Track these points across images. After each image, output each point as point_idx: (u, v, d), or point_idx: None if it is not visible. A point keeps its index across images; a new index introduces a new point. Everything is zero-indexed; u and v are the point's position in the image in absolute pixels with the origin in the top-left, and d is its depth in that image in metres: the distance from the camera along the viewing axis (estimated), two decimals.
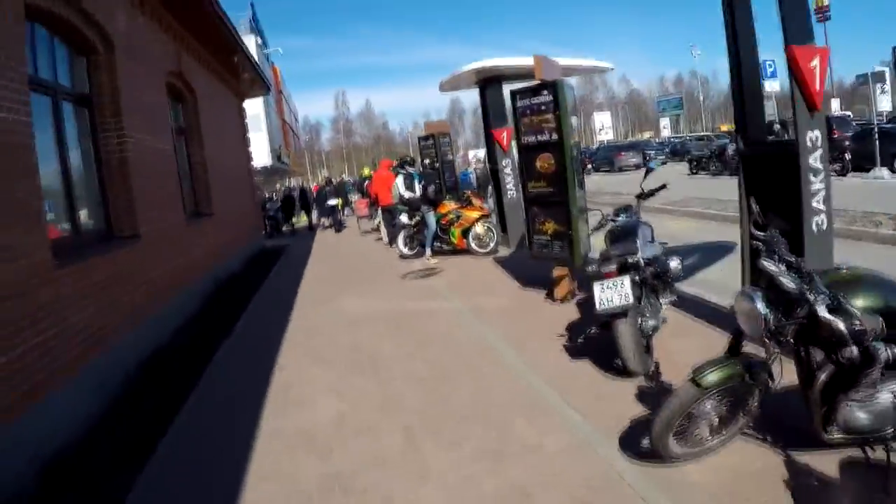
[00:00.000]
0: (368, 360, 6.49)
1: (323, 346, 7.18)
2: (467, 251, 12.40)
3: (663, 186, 6.58)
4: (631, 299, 4.93)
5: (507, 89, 11.86)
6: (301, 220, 26.91)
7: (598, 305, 5.01)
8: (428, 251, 12.43)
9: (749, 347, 3.57)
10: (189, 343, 7.80)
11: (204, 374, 6.61)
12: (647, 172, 6.54)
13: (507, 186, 11.99)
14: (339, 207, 24.03)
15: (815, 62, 4.74)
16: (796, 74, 4.77)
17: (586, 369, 5.46)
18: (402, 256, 12.93)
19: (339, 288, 10.70)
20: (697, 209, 14.46)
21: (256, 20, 45.10)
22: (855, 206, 11.46)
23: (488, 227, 12.41)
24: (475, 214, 12.53)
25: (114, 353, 6.23)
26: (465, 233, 12.46)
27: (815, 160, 4.86)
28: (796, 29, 4.81)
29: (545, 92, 7.42)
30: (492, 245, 12.30)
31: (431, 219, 12.46)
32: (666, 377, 4.98)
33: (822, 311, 3.01)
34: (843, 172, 18.68)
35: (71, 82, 7.01)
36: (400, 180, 13.32)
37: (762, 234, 3.61)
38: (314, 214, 25.73)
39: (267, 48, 48.59)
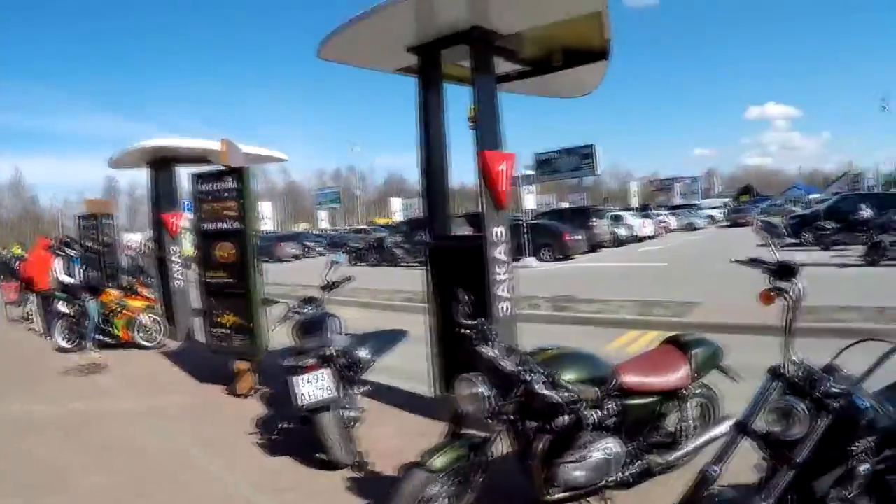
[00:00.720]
0: (43, 473, 5.48)
1: None
2: (133, 344, 11.20)
3: (349, 279, 6.68)
4: (334, 392, 5.00)
5: (181, 171, 11.45)
6: None
7: (299, 400, 4.95)
8: (89, 344, 11.00)
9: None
10: None
11: None
12: (331, 265, 6.60)
13: (175, 274, 11.40)
14: None
15: (503, 166, 5.24)
16: (485, 176, 5.23)
17: (290, 466, 5.29)
18: (61, 350, 11.26)
19: None
20: (365, 299, 15.04)
21: None
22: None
23: (155, 319, 11.44)
24: (140, 304, 11.50)
25: None
26: (130, 324, 11.29)
27: (499, 252, 5.35)
28: (488, 136, 5.31)
29: (229, 178, 7.22)
30: (159, 337, 11.32)
31: (93, 308, 11.10)
32: (372, 465, 5.03)
33: (540, 388, 3.38)
34: None
35: None
36: (58, 263, 11.79)
37: (471, 322, 3.83)
38: None
39: None
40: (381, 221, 61.66)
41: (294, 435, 5.59)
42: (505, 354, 3.66)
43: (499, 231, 5.41)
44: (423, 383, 6.71)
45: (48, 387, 8.94)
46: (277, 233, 55.20)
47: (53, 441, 6.40)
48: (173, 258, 11.32)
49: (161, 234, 11.46)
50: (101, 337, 11.31)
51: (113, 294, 11.74)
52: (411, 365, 7.31)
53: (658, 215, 39.14)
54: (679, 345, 4.18)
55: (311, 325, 5.72)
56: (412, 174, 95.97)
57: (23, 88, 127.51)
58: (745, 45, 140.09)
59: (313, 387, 4.98)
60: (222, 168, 7.34)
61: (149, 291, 12.04)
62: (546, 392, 3.40)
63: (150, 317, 11.42)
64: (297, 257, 38.34)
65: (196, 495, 4.88)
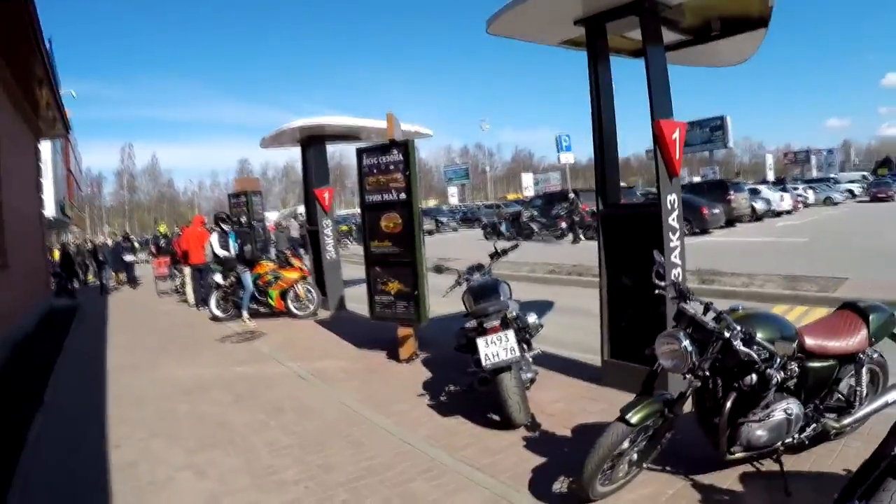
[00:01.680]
0: (219, 431, 5.78)
1: (158, 418, 6.30)
2: (286, 313, 11.87)
3: (516, 246, 6.87)
4: (517, 352, 5.06)
5: (330, 147, 11.95)
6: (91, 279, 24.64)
7: (484, 361, 5.02)
8: (245, 313, 11.71)
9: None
10: None
11: (20, 460, 5.36)
12: (499, 234, 6.78)
13: (327, 247, 11.87)
14: (135, 264, 22.80)
15: (676, 134, 5.24)
16: (660, 144, 5.23)
17: (463, 425, 5.40)
18: (215, 319, 12.09)
19: (153, 353, 9.62)
20: (505, 272, 15.06)
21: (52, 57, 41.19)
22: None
23: (308, 289, 11.99)
24: (295, 275, 12.05)
25: None
26: (284, 294, 11.94)
27: (673, 220, 5.34)
28: (661, 105, 5.31)
29: (395, 151, 7.44)
30: (312, 307, 11.83)
31: (248, 279, 11.80)
32: (544, 426, 5.11)
33: (738, 344, 3.41)
34: None
35: None
36: (215, 238, 12.49)
37: (665, 283, 3.92)
38: (106, 272, 22.84)
39: (60, 88, 44.53)
40: (512, 197, 62.17)
41: (462, 397, 5.78)
42: (702, 312, 3.72)
43: (673, 198, 5.38)
44: (579, 351, 6.94)
45: (210, 353, 9.46)
46: None
47: (225, 403, 6.72)
48: (326, 231, 11.81)
49: (314, 208, 11.99)
50: (255, 306, 12.02)
51: (267, 266, 12.43)
52: (562, 335, 7.48)
53: (795, 189, 37.19)
54: (856, 310, 4.15)
55: (483, 290, 5.77)
56: (539, 150, 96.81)
57: (157, 82, 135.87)
58: (883, 8, 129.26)
59: (497, 347, 5.05)
60: (387, 142, 7.56)
61: (301, 263, 12.60)
62: (744, 349, 3.42)
63: (303, 287, 11.98)
64: (430, 233, 38.65)
65: (372, 449, 5.02)
